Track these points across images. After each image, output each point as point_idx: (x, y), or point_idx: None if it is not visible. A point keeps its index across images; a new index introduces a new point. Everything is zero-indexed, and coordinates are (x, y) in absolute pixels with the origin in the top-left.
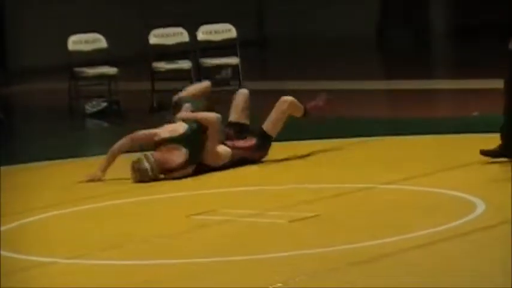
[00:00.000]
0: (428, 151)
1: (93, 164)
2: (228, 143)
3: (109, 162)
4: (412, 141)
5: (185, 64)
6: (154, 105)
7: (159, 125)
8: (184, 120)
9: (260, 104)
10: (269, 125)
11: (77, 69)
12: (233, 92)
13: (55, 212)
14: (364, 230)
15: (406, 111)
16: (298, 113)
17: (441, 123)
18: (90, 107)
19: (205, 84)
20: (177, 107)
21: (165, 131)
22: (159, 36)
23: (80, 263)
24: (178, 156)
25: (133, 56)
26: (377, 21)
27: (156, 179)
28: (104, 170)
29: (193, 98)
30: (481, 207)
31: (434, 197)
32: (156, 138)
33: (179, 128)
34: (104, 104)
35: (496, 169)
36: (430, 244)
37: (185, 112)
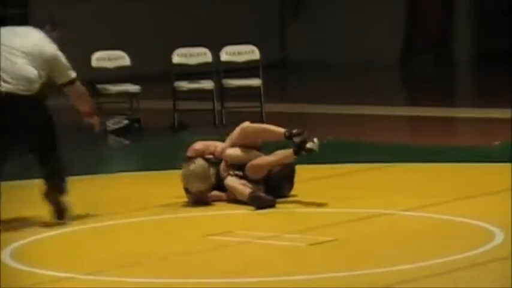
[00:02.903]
0: (449, 179)
1: (112, 181)
2: None
3: None
4: (432, 169)
5: (207, 84)
6: (176, 124)
7: (180, 145)
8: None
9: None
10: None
11: (100, 86)
12: (255, 113)
13: (74, 228)
14: (382, 256)
15: (427, 138)
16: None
17: (463, 151)
18: (112, 124)
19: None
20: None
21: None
22: (182, 56)
23: (97, 279)
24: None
25: (156, 75)
26: (400, 49)
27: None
28: None
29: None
30: (499, 236)
31: (453, 225)
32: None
33: None
34: (125, 122)
35: None
36: (448, 272)
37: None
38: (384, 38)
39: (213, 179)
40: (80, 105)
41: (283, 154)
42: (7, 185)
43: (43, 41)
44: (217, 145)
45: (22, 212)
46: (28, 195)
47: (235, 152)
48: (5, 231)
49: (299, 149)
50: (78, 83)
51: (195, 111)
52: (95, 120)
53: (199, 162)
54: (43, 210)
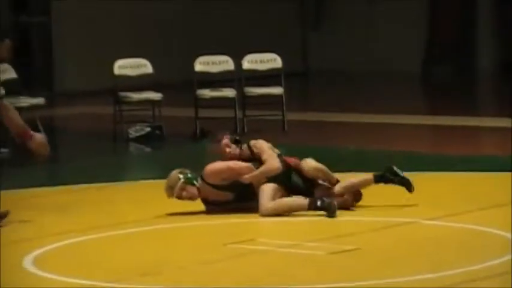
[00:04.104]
0: (472, 188)
1: (134, 188)
2: None
3: None
4: (455, 178)
5: (229, 92)
6: (197, 132)
7: (201, 153)
8: None
9: (301, 135)
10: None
11: (122, 93)
12: (277, 121)
13: (94, 235)
14: (404, 265)
15: (449, 148)
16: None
17: (485, 160)
18: (134, 132)
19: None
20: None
21: None
22: (204, 64)
23: (118, 287)
24: None
25: (178, 83)
26: (422, 58)
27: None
28: None
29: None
30: None
31: (476, 235)
32: None
33: None
34: (147, 129)
35: None
36: (470, 282)
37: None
38: (405, 47)
39: (180, 193)
40: (7, 124)
41: (364, 178)
42: (21, 192)
43: None
44: (232, 167)
45: (45, 219)
46: (52, 202)
47: (317, 166)
48: (26, 239)
49: (380, 179)
50: (4, 103)
51: (216, 119)
52: (33, 144)
53: (172, 173)
54: (65, 217)
